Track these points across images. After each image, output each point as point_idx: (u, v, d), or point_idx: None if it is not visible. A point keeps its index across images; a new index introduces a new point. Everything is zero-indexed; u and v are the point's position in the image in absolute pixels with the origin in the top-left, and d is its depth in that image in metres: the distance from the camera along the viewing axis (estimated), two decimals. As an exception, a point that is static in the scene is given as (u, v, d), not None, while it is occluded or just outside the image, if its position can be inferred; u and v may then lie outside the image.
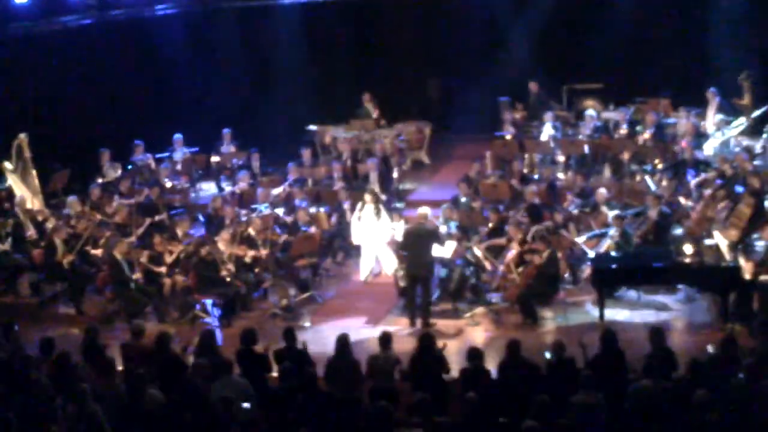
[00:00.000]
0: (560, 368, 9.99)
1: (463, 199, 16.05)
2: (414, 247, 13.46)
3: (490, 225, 14.81)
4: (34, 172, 16.90)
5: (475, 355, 10.10)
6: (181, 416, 9.00)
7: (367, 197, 15.16)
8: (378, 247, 15.20)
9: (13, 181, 16.74)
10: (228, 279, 13.91)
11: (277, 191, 16.99)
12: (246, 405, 9.33)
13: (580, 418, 8.76)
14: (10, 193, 16.57)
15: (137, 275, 14.07)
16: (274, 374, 10.62)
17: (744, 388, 8.91)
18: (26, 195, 16.43)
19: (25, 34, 18.33)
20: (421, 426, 8.74)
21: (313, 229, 15.23)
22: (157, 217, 16.12)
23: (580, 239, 14.35)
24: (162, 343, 10.86)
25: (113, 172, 17.89)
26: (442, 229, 14.43)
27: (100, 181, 17.58)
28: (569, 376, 9.74)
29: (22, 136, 16.80)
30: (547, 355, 10.34)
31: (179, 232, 15.13)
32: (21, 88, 18.23)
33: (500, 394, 9.57)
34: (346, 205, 16.34)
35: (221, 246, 14.33)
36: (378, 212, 15.07)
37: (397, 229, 14.84)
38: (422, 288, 13.37)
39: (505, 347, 10.25)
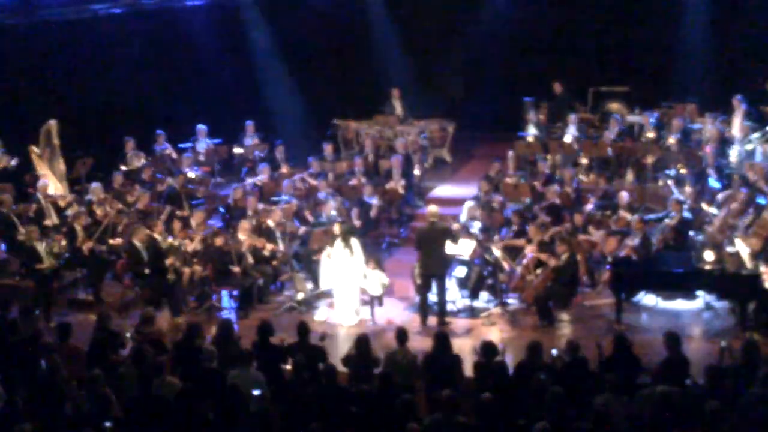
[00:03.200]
0: (573, 369, 9.96)
1: (483, 198, 16.01)
2: (428, 246, 13.41)
3: (515, 228, 14.77)
4: (61, 158, 17.05)
5: (488, 349, 10.10)
6: (195, 404, 9.04)
7: (336, 229, 13.82)
8: (351, 289, 13.62)
9: (39, 166, 16.88)
10: (240, 272, 13.90)
11: (295, 181, 17.05)
12: (256, 392, 9.37)
13: (599, 420, 8.69)
14: (35, 178, 16.71)
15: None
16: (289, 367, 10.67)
17: (760, 400, 8.82)
18: (51, 180, 16.57)
19: (56, 21, 18.49)
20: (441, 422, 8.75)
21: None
22: (179, 212, 16.18)
23: (599, 234, 14.31)
24: (191, 333, 10.94)
25: (137, 161, 17.99)
26: (459, 227, 14.41)
27: (123, 168, 17.68)
28: (582, 377, 9.74)
29: (52, 122, 16.97)
30: (554, 351, 10.33)
31: (194, 222, 15.16)
32: (50, 74, 18.37)
33: (516, 393, 9.53)
34: (373, 201, 16.39)
35: (241, 235, 14.36)
36: (349, 247, 13.58)
37: (371, 278, 13.65)
38: (437, 286, 13.36)
39: (526, 348, 10.20)
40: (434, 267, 13.37)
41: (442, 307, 13.36)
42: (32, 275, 13.84)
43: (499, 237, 14.61)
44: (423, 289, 13.47)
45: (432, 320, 13.35)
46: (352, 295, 13.60)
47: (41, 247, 13.91)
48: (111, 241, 14.94)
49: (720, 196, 15.18)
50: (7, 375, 9.72)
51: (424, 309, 13.42)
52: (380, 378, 9.75)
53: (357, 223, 15.85)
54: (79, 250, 14.47)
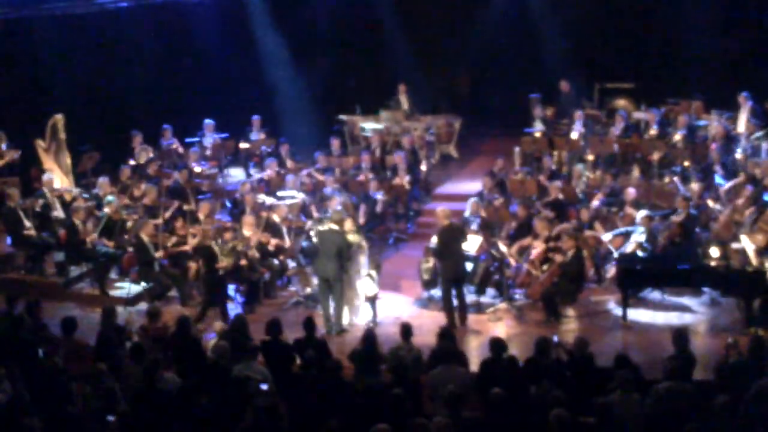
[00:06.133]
0: (580, 366, 9.96)
1: (486, 194, 16.01)
2: (453, 248, 13.29)
3: (518, 222, 14.77)
4: (67, 152, 17.07)
5: (497, 345, 10.08)
6: (197, 398, 9.05)
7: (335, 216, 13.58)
8: (355, 288, 13.40)
9: (45, 160, 16.89)
10: (247, 266, 13.89)
11: (303, 178, 17.06)
12: (264, 386, 9.38)
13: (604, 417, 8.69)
14: (41, 173, 16.72)
15: (159, 253, 14.15)
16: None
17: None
18: (57, 174, 16.58)
19: (63, 15, 18.50)
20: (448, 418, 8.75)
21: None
22: (185, 207, 16.15)
23: (606, 236, 14.31)
24: (182, 326, 10.95)
25: (145, 155, 17.99)
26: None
27: (132, 163, 17.69)
28: (589, 375, 9.75)
29: (58, 116, 16.96)
30: (555, 338, 10.38)
31: (201, 215, 15.16)
32: (56, 68, 18.39)
33: (525, 389, 9.55)
34: (378, 196, 16.39)
35: (246, 231, 14.35)
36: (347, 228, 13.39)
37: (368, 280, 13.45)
38: (459, 287, 13.27)
39: (535, 344, 10.14)
40: (461, 269, 13.32)
41: (464, 306, 13.30)
42: (208, 274, 13.49)
43: (507, 234, 14.60)
44: (448, 293, 13.17)
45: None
46: (356, 294, 13.45)
47: (216, 246, 13.58)
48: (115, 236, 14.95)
49: (723, 192, 15.19)
50: (13, 369, 9.71)
51: (453, 310, 13.20)
52: (392, 371, 9.74)
53: (362, 219, 15.85)
54: (85, 245, 14.49)
